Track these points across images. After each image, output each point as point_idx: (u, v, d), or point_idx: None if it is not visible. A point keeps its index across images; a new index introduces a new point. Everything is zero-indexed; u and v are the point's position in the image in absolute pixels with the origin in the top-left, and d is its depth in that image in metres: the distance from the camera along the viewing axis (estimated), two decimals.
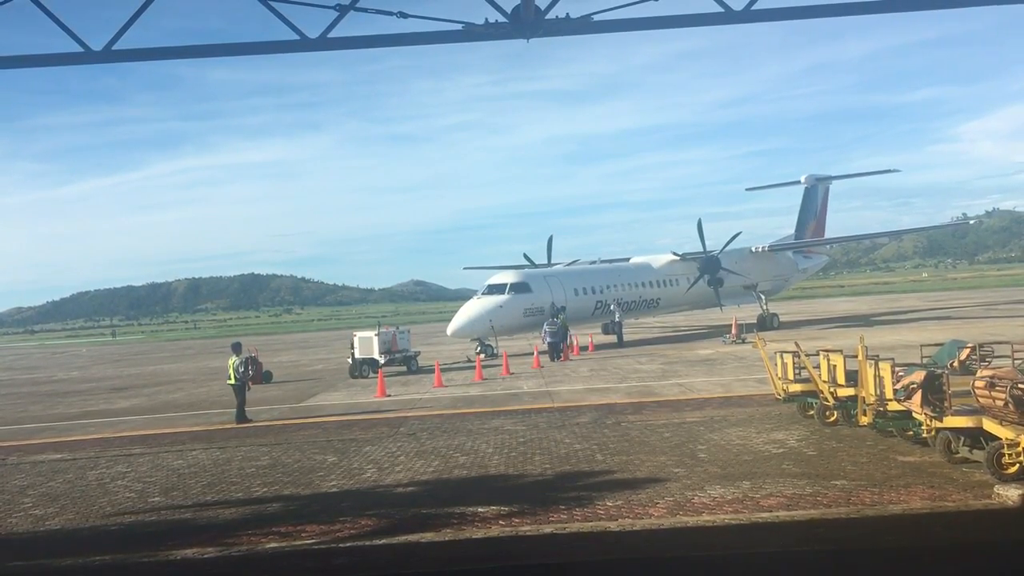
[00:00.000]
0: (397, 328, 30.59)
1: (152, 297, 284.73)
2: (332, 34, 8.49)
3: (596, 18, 8.32)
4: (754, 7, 8.22)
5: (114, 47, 8.65)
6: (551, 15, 8.26)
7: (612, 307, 36.44)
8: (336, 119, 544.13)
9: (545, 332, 31.76)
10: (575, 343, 33.07)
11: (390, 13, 8.49)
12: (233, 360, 19.60)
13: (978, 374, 11.02)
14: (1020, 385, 9.78)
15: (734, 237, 39.48)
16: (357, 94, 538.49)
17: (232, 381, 19.48)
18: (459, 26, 8.38)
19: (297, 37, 8.50)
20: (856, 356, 13.13)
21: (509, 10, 8.28)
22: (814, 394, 14.50)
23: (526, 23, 8.21)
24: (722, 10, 8.24)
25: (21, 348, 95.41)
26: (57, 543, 9.99)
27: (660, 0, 8.45)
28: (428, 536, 9.13)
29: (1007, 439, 9.76)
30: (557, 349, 31.00)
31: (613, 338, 36.27)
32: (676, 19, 8.45)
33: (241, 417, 19.11)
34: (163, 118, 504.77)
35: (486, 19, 8.34)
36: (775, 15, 8.44)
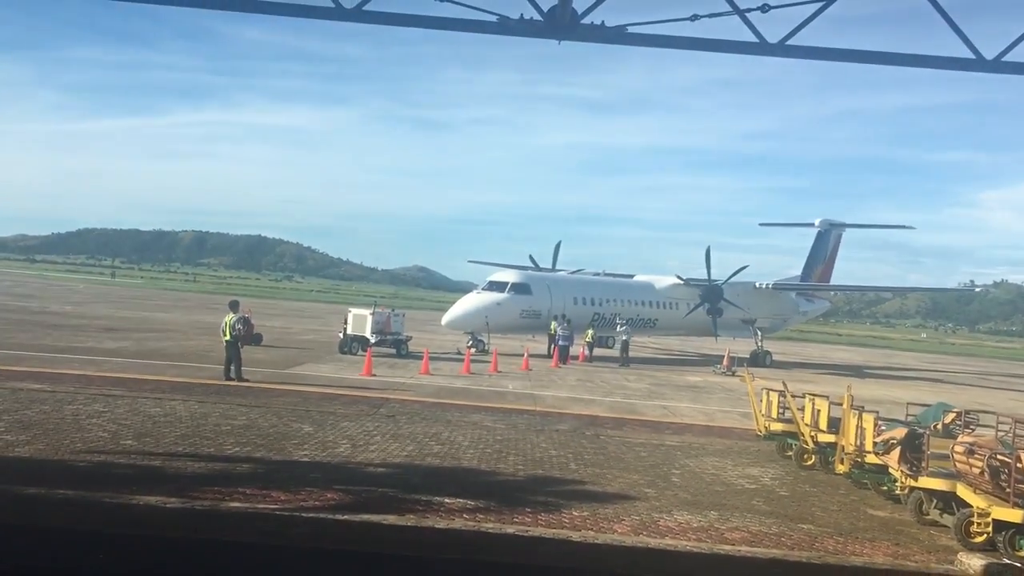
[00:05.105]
0: (393, 310, 30.69)
1: (157, 244, 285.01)
2: (368, 7, 8.48)
3: (631, 30, 8.32)
4: (788, 42, 8.22)
5: None
6: (587, 20, 8.26)
7: (619, 326, 36.29)
8: (363, 96, 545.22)
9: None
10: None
11: None
12: (230, 317, 19.74)
13: (959, 439, 11.00)
14: (999, 455, 9.77)
15: (740, 270, 39.25)
16: (387, 74, 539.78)
17: (227, 337, 19.56)
18: (494, 18, 8.37)
19: (332, 5, 8.49)
20: (841, 404, 13.12)
21: (546, 9, 8.26)
22: (795, 435, 14.49)
23: (560, 24, 8.20)
24: (757, 40, 8.23)
25: (20, 275, 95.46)
26: (23, 471, 9.98)
27: (697, 22, 8.45)
28: (391, 519, 9.12)
29: (978, 508, 9.75)
30: (564, 352, 32.34)
31: (601, 351, 36.23)
32: (710, 43, 8.44)
33: (228, 375, 19.16)
34: (192, 69, 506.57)
35: (521, 15, 8.33)
36: (808, 53, 8.42)
